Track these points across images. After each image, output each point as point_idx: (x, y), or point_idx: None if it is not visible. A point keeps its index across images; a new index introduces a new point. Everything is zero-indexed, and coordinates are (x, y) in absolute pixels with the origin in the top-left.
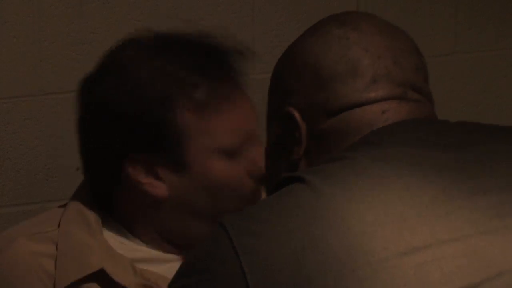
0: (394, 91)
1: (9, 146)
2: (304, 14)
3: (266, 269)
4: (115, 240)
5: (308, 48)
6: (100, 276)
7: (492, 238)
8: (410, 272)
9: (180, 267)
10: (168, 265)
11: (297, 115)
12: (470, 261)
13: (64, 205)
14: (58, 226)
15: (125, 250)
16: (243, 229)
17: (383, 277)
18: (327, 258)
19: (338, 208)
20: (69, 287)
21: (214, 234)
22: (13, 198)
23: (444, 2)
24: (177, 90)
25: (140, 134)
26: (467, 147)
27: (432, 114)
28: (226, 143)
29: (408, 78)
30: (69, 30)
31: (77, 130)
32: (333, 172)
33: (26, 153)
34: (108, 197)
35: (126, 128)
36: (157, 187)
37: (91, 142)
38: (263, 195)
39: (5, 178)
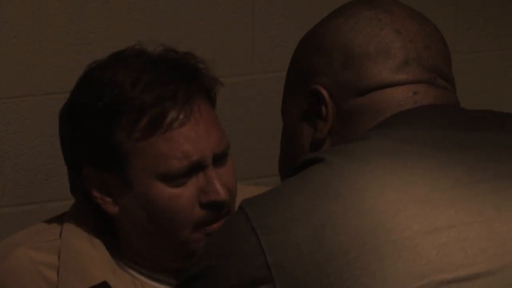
0: (424, 76)
1: (9, 146)
2: (304, 14)
3: (286, 248)
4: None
5: (337, 28)
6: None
7: None
8: (433, 251)
9: (200, 250)
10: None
11: (325, 92)
12: (494, 244)
13: (62, 216)
14: (60, 236)
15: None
16: (262, 209)
17: (405, 255)
18: (348, 236)
19: (360, 187)
20: None
21: (233, 216)
22: (13, 198)
23: (444, 2)
24: (120, 105)
25: (91, 147)
26: (495, 132)
27: (458, 103)
28: (165, 169)
29: (437, 64)
30: (69, 30)
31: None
32: (356, 151)
33: (26, 153)
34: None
35: (79, 141)
36: (109, 204)
37: (63, 150)
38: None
39: (5, 178)
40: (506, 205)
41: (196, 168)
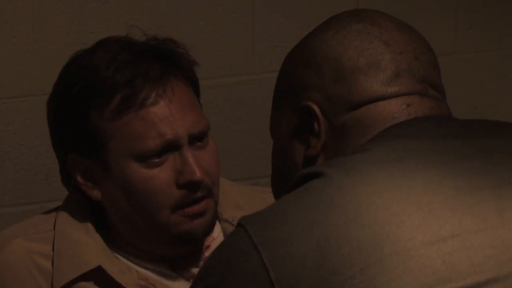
0: (416, 87)
1: (9, 146)
2: (304, 14)
3: (289, 263)
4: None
5: (327, 42)
6: (98, 274)
7: None
8: (439, 261)
9: (201, 268)
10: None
11: (316, 108)
12: (499, 252)
13: (57, 208)
14: (54, 227)
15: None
16: (262, 226)
17: (411, 266)
18: (352, 248)
19: (362, 200)
20: (67, 285)
21: (233, 233)
22: (13, 198)
23: (444, 2)
24: (97, 90)
25: (71, 132)
26: (491, 140)
27: (450, 113)
28: (140, 149)
29: (428, 74)
30: (69, 30)
31: None
32: (354, 164)
33: (26, 153)
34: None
35: (62, 128)
36: (93, 189)
37: (51, 139)
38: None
39: (5, 178)
40: (509, 211)
41: (171, 147)
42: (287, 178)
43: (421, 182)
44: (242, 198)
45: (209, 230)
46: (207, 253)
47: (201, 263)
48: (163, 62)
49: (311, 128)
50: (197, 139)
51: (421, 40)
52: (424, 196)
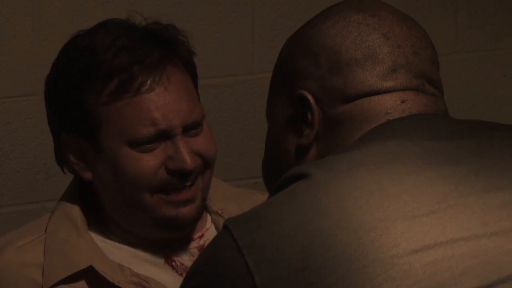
0: (412, 82)
1: (9, 145)
2: (304, 14)
3: (274, 267)
4: (99, 241)
5: (325, 32)
6: (89, 274)
7: (503, 239)
8: (420, 270)
9: (189, 269)
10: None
11: (310, 98)
12: (481, 262)
13: (52, 210)
14: (46, 231)
15: (108, 250)
16: (247, 228)
17: (393, 274)
18: (336, 252)
19: (348, 204)
20: (57, 285)
21: (218, 236)
22: (13, 198)
23: (444, 2)
24: (94, 73)
25: (66, 112)
26: (484, 142)
27: (446, 110)
28: (133, 135)
29: (425, 70)
30: (69, 30)
31: None
32: (342, 165)
33: (26, 153)
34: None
35: (57, 108)
36: (84, 169)
37: (47, 117)
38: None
39: (5, 178)
40: (493, 220)
41: (163, 136)
42: (277, 164)
43: (408, 187)
44: (229, 192)
45: (198, 216)
46: (201, 242)
47: (197, 252)
48: (162, 49)
49: (304, 117)
50: (192, 128)
51: (421, 34)
52: (410, 202)
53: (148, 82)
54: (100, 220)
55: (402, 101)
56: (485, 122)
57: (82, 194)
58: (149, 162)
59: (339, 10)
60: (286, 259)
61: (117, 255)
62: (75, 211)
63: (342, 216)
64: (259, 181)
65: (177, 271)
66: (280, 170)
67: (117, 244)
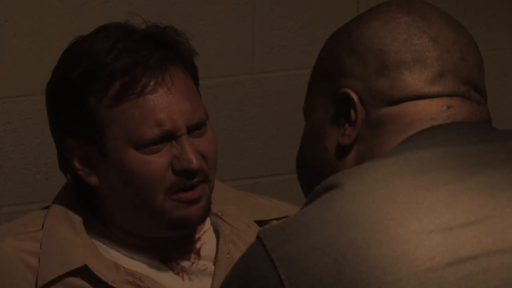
0: (459, 89)
1: (10, 145)
2: (304, 14)
3: (306, 279)
4: (95, 241)
5: (374, 32)
6: (84, 272)
7: None
8: (455, 284)
9: (222, 282)
10: (148, 266)
11: (355, 97)
12: None
13: (47, 207)
14: (42, 227)
15: (104, 249)
16: (280, 240)
17: None
18: (369, 265)
19: (382, 216)
20: (52, 282)
21: (251, 248)
22: (13, 197)
23: (444, 2)
24: (96, 76)
25: (69, 118)
26: None
27: (490, 119)
28: (137, 137)
29: (472, 76)
30: (69, 30)
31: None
32: (377, 174)
33: (26, 153)
34: (88, 193)
35: (60, 113)
36: (90, 175)
37: (49, 126)
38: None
39: (5, 177)
40: None
41: (169, 137)
42: (315, 163)
43: (444, 198)
44: (229, 194)
45: (204, 216)
46: (197, 245)
47: (192, 255)
48: (163, 50)
49: (347, 116)
50: (196, 128)
51: (469, 39)
52: (446, 214)
53: (151, 83)
54: (97, 220)
55: (448, 107)
56: None
57: (78, 194)
58: (157, 163)
59: (388, 11)
60: (318, 271)
61: (113, 254)
62: (72, 209)
63: (376, 228)
64: (259, 181)
65: (173, 271)
66: (318, 169)
67: (114, 243)
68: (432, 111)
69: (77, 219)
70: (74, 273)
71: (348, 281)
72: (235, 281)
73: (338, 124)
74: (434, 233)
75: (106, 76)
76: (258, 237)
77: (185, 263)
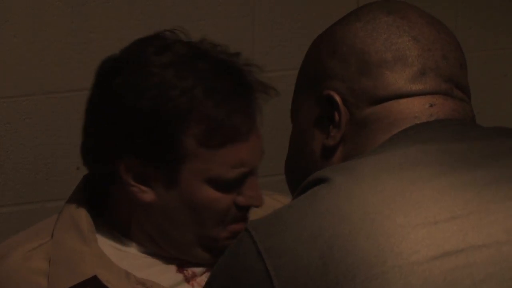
0: (441, 86)
1: (10, 145)
2: (304, 14)
3: (293, 271)
4: (109, 246)
5: (355, 33)
6: (94, 283)
7: None
8: (441, 277)
9: (210, 275)
10: (162, 273)
11: (338, 99)
12: (502, 269)
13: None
14: (52, 236)
15: (119, 256)
16: (268, 232)
17: (413, 281)
18: (356, 258)
19: (369, 210)
20: None
21: (239, 239)
22: (13, 197)
23: (444, 2)
24: (191, 111)
25: (143, 139)
26: (508, 151)
27: (473, 116)
28: (217, 175)
29: (454, 74)
30: (69, 30)
31: (85, 116)
32: (364, 170)
33: (26, 153)
34: (103, 198)
35: (131, 128)
36: (145, 193)
37: (95, 132)
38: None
39: (6, 177)
40: None
41: (245, 176)
42: (302, 165)
43: (430, 193)
44: None
45: None
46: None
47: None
48: (254, 94)
49: (331, 118)
50: None
51: (450, 38)
52: (431, 208)
53: (245, 131)
54: (110, 225)
55: (431, 105)
56: (508, 129)
57: (90, 198)
58: (226, 200)
59: (369, 11)
60: (305, 263)
61: (126, 261)
62: (82, 216)
63: (362, 221)
64: (260, 181)
65: (187, 281)
66: (305, 171)
67: (128, 250)
68: (414, 109)
69: (86, 226)
70: (84, 284)
71: (334, 274)
72: (222, 271)
73: (323, 126)
74: (420, 226)
75: (205, 120)
76: (246, 229)
77: (197, 270)
